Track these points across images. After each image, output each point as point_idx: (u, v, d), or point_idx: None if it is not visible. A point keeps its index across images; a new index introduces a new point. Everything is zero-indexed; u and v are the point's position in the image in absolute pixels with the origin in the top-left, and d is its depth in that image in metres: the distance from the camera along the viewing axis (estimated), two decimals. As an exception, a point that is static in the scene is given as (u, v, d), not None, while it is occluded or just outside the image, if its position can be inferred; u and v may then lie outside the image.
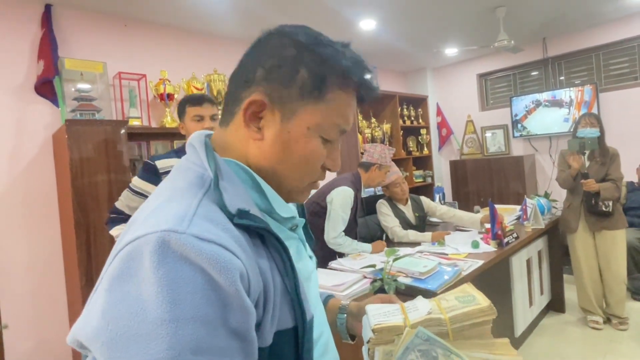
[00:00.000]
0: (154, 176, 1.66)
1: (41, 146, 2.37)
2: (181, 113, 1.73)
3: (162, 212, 0.43)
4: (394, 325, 0.58)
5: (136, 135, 2.61)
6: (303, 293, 0.49)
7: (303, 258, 0.59)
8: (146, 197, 1.62)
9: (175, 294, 0.36)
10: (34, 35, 2.37)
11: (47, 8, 2.40)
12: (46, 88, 2.35)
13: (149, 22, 2.88)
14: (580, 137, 2.63)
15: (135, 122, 2.60)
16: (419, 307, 0.62)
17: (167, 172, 1.62)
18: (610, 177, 2.59)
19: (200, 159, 0.49)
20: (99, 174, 2.16)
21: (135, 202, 1.67)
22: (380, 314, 0.61)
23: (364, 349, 0.61)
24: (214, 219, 0.42)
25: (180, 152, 1.73)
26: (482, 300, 0.61)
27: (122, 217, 1.70)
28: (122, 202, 1.71)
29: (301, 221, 0.59)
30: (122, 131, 2.28)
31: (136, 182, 1.68)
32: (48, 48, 2.32)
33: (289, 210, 0.55)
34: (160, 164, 1.67)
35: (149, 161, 1.70)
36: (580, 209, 2.71)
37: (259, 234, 0.46)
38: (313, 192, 0.73)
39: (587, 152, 2.66)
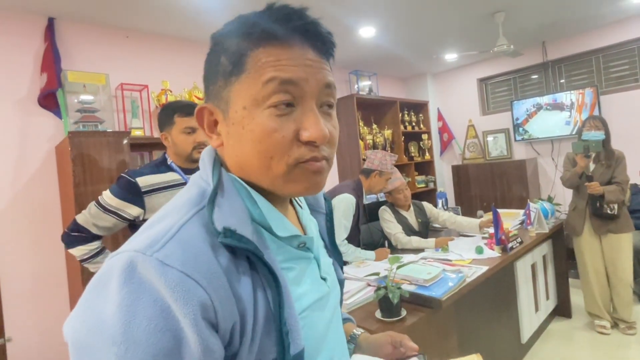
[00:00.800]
0: (133, 195, 1.44)
1: (44, 158, 2.39)
2: (167, 122, 1.51)
3: (149, 230, 0.43)
4: None
5: (138, 146, 2.62)
6: (292, 324, 0.44)
7: (312, 280, 0.53)
8: (121, 216, 1.45)
9: (131, 317, 0.36)
10: (37, 48, 2.40)
11: (50, 21, 2.43)
12: (49, 100, 2.37)
13: (150, 33, 2.91)
14: (584, 139, 2.62)
15: (137, 133, 2.62)
16: None
17: (151, 191, 1.46)
18: (615, 179, 2.58)
19: (207, 174, 0.49)
20: (101, 184, 2.17)
21: (106, 222, 1.45)
22: None
23: None
24: (189, 243, 0.41)
25: (161, 167, 1.53)
26: None
27: (85, 237, 1.48)
28: (87, 219, 1.47)
29: (308, 239, 0.53)
30: (125, 141, 2.29)
31: (110, 200, 1.45)
32: (51, 61, 2.35)
33: (287, 228, 0.50)
34: (142, 182, 1.45)
35: (129, 177, 1.46)
36: (586, 211, 2.70)
37: (247, 255, 0.44)
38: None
39: (592, 155, 2.65)
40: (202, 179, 0.50)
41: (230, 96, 0.47)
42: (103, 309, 0.38)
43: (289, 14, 0.46)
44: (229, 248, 0.43)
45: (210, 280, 0.39)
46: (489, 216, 3.13)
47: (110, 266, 0.40)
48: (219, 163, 0.51)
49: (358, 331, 0.75)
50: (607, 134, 2.64)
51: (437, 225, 2.95)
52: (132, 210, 1.46)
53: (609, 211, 2.58)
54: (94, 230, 1.47)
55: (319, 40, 0.47)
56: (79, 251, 1.50)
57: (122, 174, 1.50)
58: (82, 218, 1.49)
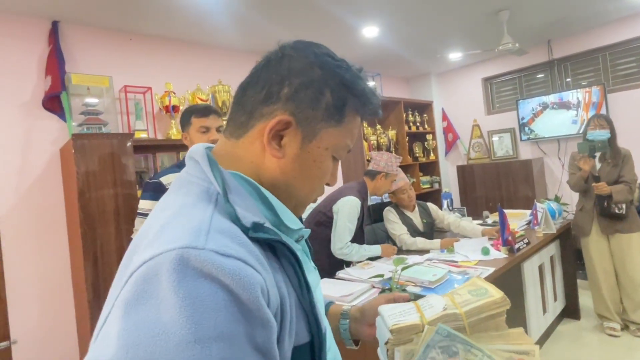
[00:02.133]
0: (160, 193, 1.59)
1: (49, 161, 2.40)
2: (185, 123, 1.68)
3: (173, 228, 0.41)
4: (412, 324, 0.58)
5: (142, 148, 2.62)
6: (317, 306, 0.49)
7: (309, 270, 0.59)
8: None
9: (198, 314, 0.35)
10: (41, 51, 2.41)
11: (54, 24, 2.45)
12: (54, 103, 2.38)
13: (153, 36, 2.92)
14: (589, 139, 2.59)
15: (141, 135, 2.62)
16: (434, 304, 0.62)
17: None
18: (623, 179, 2.54)
19: (204, 173, 0.49)
20: (105, 187, 2.17)
21: None
22: (396, 314, 0.61)
23: (380, 350, 0.62)
24: (230, 233, 0.42)
25: (182, 166, 1.66)
26: (494, 293, 0.62)
27: None
28: (138, 231, 1.66)
29: (307, 232, 0.59)
30: (129, 144, 2.29)
31: (146, 205, 1.61)
32: (55, 64, 2.36)
33: (296, 221, 0.55)
34: (165, 180, 1.61)
35: (153, 180, 1.63)
36: (593, 212, 2.66)
37: (270, 247, 0.46)
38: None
39: (598, 155, 2.61)
40: (199, 177, 0.49)
41: (321, 133, 0.52)
42: (159, 316, 0.35)
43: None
44: (256, 241, 0.44)
45: (261, 267, 0.41)
46: (495, 217, 3.10)
47: (150, 272, 0.37)
48: (215, 162, 0.50)
49: (347, 306, 0.78)
50: (613, 132, 2.60)
51: (442, 226, 2.93)
52: None
53: (617, 211, 2.54)
54: None
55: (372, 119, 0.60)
56: None
57: (147, 180, 1.67)
58: (135, 235, 1.59)
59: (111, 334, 0.37)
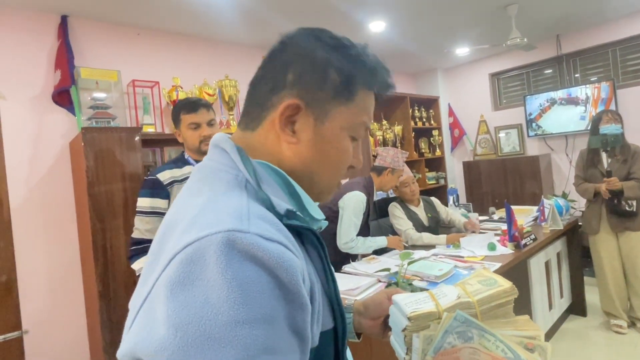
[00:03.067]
0: (160, 190, 1.57)
1: (58, 154, 2.42)
2: (176, 121, 1.63)
3: (213, 212, 0.42)
4: (429, 311, 0.60)
5: (150, 142, 2.64)
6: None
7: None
8: (161, 214, 1.53)
9: (246, 295, 0.36)
10: (50, 45, 2.43)
11: (63, 19, 2.46)
12: (63, 97, 2.40)
13: (161, 30, 2.93)
14: (603, 133, 2.56)
15: (149, 129, 2.64)
16: (447, 293, 0.65)
17: (172, 183, 1.57)
18: (634, 175, 2.52)
19: (232, 161, 0.49)
20: (114, 180, 2.19)
21: (151, 224, 1.56)
22: (412, 302, 0.64)
23: (395, 337, 0.65)
24: (268, 219, 0.42)
25: (179, 162, 1.63)
26: (503, 282, 0.66)
27: (143, 247, 1.56)
28: (140, 231, 1.58)
29: (325, 223, 0.58)
30: (137, 138, 2.31)
31: (143, 202, 1.58)
32: (64, 58, 2.38)
33: (319, 212, 0.55)
34: (162, 176, 1.58)
35: (150, 176, 1.60)
36: (602, 209, 2.64)
37: (297, 234, 0.46)
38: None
39: (609, 150, 2.59)
40: (226, 165, 0.50)
41: (332, 112, 0.52)
42: (207, 297, 0.36)
43: (383, 64, 0.56)
44: (287, 228, 0.45)
45: (299, 252, 0.43)
46: (501, 213, 3.08)
47: (196, 254, 0.37)
48: (243, 151, 0.51)
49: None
50: (622, 127, 2.58)
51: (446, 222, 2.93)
52: (162, 203, 1.57)
53: (627, 208, 2.52)
54: (149, 236, 1.56)
55: (387, 95, 0.60)
56: (138, 264, 1.55)
57: (145, 178, 1.64)
58: (136, 233, 1.60)
59: (156, 315, 0.37)
